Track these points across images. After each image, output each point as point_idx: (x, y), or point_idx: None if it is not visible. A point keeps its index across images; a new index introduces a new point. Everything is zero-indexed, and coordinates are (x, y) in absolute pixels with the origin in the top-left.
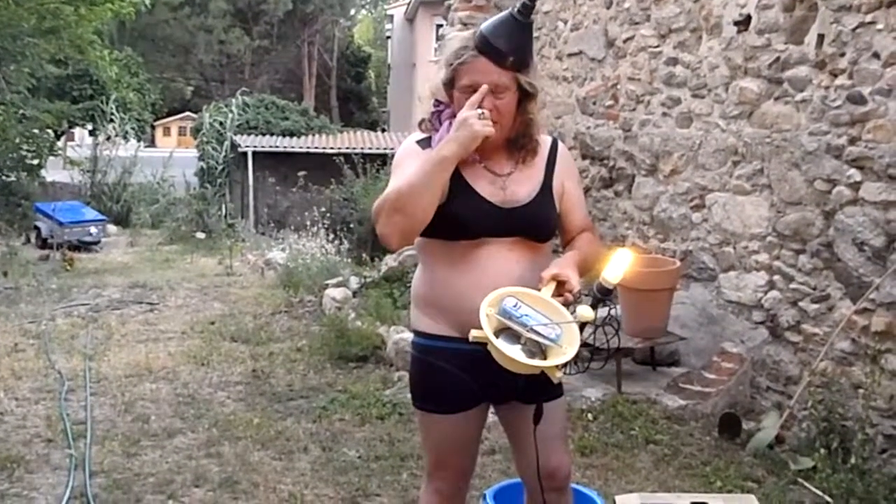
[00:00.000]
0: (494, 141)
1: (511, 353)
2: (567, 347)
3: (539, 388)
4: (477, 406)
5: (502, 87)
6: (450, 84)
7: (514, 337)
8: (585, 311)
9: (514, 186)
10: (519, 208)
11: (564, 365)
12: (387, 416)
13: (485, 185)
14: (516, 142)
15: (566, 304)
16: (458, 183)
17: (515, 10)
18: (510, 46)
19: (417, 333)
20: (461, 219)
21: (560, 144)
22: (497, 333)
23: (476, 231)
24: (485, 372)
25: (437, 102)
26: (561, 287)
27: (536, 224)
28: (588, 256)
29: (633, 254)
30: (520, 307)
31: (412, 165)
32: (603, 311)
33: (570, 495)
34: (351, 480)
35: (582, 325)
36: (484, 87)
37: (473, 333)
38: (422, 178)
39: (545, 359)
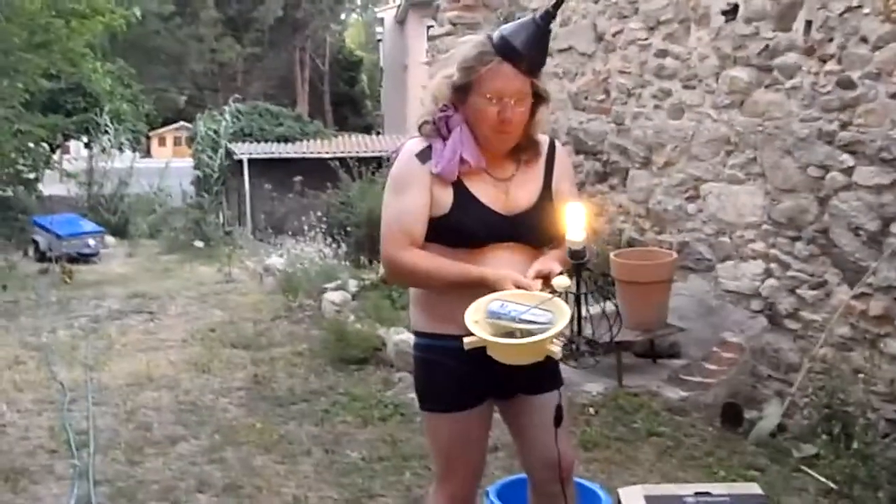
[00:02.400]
0: (503, 148)
1: (509, 342)
2: (559, 320)
3: (542, 378)
4: (483, 403)
5: (524, 93)
6: (464, 89)
7: (508, 335)
8: (561, 281)
9: (515, 191)
10: (520, 215)
11: (566, 346)
12: (389, 417)
13: (488, 191)
14: (521, 147)
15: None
16: (461, 193)
17: (538, 16)
18: (533, 52)
19: (419, 334)
20: (466, 229)
21: (557, 145)
22: (495, 335)
23: (480, 240)
24: (489, 368)
25: (445, 107)
26: (547, 280)
27: (538, 231)
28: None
29: (585, 206)
30: (505, 305)
31: (414, 194)
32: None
33: (573, 488)
34: (354, 482)
35: (576, 304)
36: None
37: (467, 341)
38: (445, 279)
39: None
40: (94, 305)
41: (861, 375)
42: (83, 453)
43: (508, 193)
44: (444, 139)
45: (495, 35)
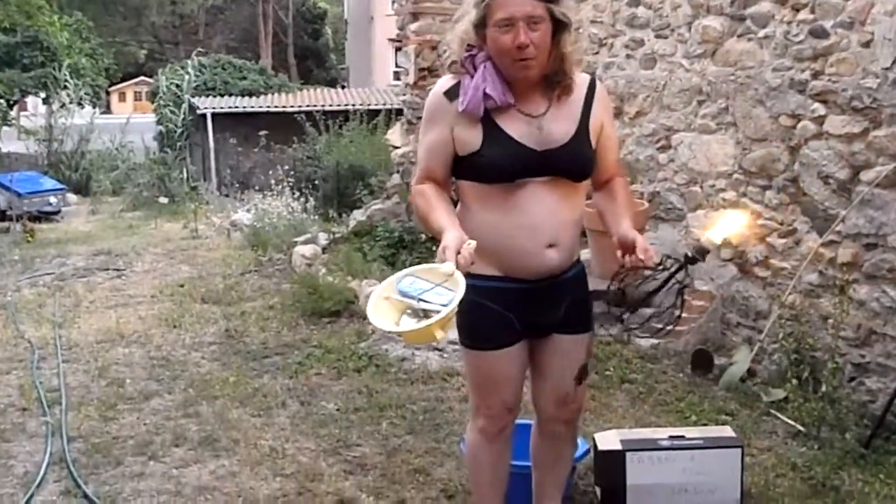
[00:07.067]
0: (530, 78)
1: (404, 328)
2: (454, 302)
3: (576, 320)
4: (518, 343)
5: (537, 17)
6: (481, 24)
7: (413, 312)
8: (446, 268)
9: (549, 126)
10: (556, 149)
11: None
12: (364, 369)
13: (519, 127)
14: (551, 78)
15: (642, 268)
16: (491, 128)
17: None
18: None
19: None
20: (496, 164)
21: (598, 83)
22: (402, 314)
23: (512, 174)
24: (527, 310)
25: (470, 46)
26: (632, 250)
27: (574, 165)
28: (630, 211)
29: (747, 216)
30: (415, 283)
31: (437, 131)
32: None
33: (576, 431)
34: (331, 432)
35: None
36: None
37: (373, 326)
38: (429, 225)
39: None
40: (59, 263)
41: (829, 321)
42: (55, 410)
43: (542, 129)
44: (472, 77)
45: None
